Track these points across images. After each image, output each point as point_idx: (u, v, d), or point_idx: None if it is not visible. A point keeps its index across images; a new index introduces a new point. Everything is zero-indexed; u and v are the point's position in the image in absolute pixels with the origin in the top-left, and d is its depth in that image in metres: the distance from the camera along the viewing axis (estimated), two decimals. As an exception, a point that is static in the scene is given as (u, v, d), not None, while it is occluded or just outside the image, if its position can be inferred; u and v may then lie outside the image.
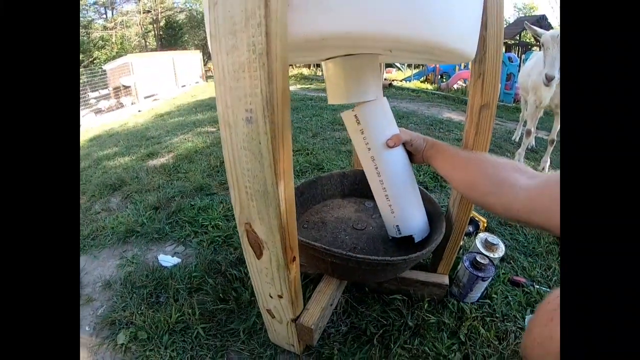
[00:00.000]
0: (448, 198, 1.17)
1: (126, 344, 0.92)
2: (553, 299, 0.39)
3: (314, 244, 0.76)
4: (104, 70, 10.26)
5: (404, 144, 0.84)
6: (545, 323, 0.38)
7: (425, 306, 0.99)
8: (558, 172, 0.46)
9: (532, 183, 0.55)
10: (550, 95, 2.15)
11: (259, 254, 0.63)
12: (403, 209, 0.88)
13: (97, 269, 1.29)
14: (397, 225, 0.90)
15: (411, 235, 0.90)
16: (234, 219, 0.80)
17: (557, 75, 1.89)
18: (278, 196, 0.52)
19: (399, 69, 12.56)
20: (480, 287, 0.98)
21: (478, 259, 0.97)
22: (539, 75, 2.05)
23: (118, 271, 1.27)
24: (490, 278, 0.97)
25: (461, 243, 1.01)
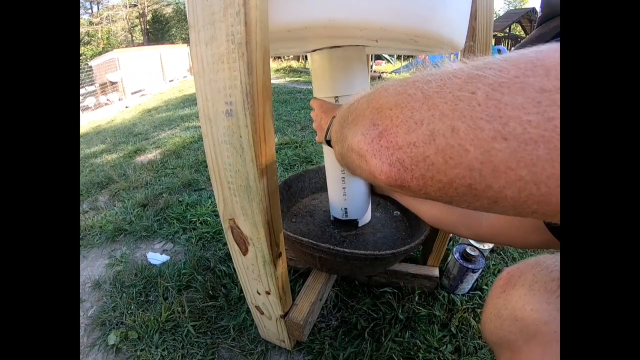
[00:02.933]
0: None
1: (117, 345, 0.91)
2: (503, 275, 0.42)
3: (301, 239, 0.75)
4: (90, 67, 10.09)
5: None
6: (497, 295, 0.41)
7: (416, 299, 0.99)
8: None
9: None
10: None
11: (244, 251, 0.62)
12: (356, 198, 0.93)
13: (86, 269, 1.27)
14: (345, 208, 0.95)
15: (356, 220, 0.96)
16: (220, 215, 0.79)
17: None
18: (261, 191, 0.51)
19: (388, 61, 12.56)
20: (470, 279, 0.99)
21: (468, 250, 0.98)
22: None
23: (107, 271, 1.25)
24: (481, 269, 0.97)
25: (451, 235, 1.01)
